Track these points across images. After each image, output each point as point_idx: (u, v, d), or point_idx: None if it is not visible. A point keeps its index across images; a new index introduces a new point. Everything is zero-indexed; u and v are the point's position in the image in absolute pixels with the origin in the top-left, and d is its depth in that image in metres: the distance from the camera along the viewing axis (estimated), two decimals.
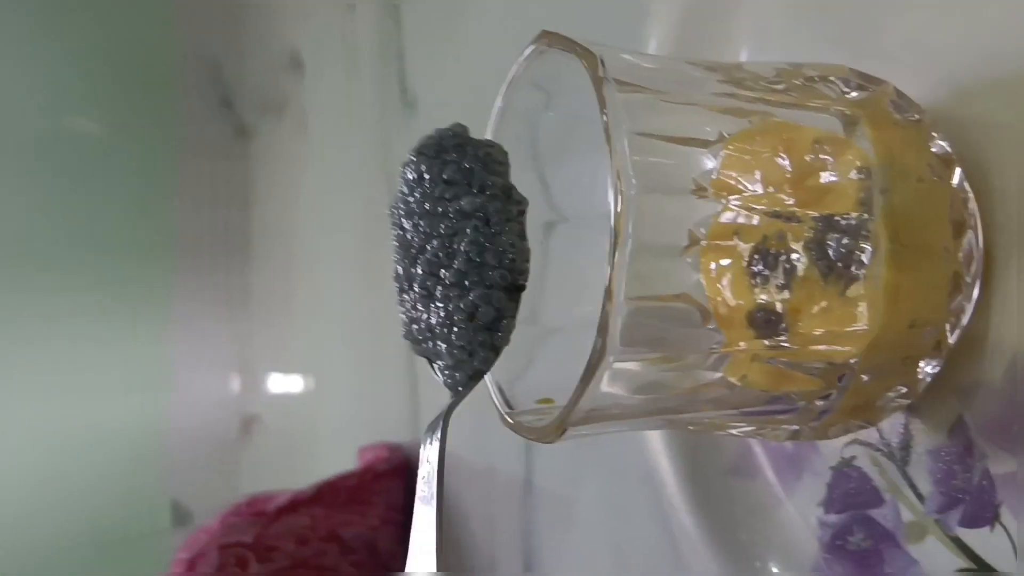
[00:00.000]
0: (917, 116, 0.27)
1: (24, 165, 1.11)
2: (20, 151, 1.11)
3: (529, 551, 0.55)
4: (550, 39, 0.27)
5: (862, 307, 0.25)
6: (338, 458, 0.76)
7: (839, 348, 0.26)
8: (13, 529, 1.15)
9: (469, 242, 0.27)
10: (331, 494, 0.67)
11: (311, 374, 1.01)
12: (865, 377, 0.26)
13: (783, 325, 0.28)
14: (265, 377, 1.16)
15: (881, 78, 0.28)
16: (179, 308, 1.25)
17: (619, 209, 0.23)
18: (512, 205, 0.27)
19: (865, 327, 0.25)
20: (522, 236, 0.27)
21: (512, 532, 0.57)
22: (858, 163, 0.26)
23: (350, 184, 0.88)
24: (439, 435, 0.28)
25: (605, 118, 0.23)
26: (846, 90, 0.27)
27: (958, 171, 0.27)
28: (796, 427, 0.27)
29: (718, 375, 0.28)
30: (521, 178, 0.31)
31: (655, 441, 0.39)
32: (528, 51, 0.28)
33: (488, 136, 0.30)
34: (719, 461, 0.37)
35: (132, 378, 1.24)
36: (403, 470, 0.70)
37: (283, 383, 1.12)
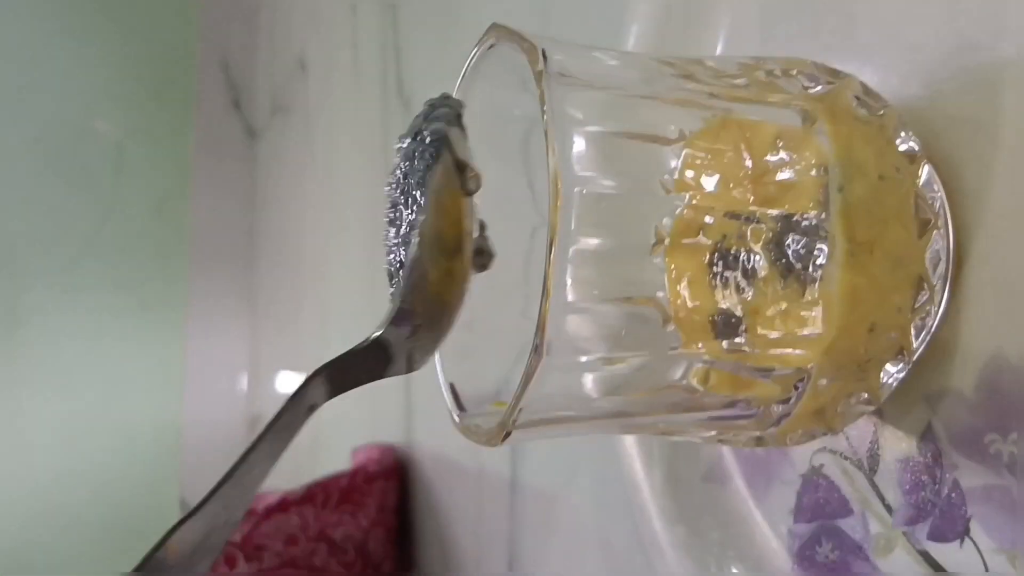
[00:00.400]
0: (882, 112, 0.26)
1: (44, 166, 1.12)
2: (40, 152, 1.11)
3: (513, 551, 0.55)
4: (498, 33, 0.26)
5: (818, 310, 0.24)
6: (337, 458, 0.76)
7: (796, 352, 0.25)
8: (26, 521, 1.16)
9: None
10: (322, 494, 0.66)
11: None
12: (823, 381, 0.25)
13: (742, 327, 0.27)
14: (273, 377, 1.16)
15: (846, 72, 0.27)
16: (193, 307, 1.25)
17: (556, 206, 0.22)
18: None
19: (820, 331, 0.24)
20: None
21: (498, 533, 0.56)
22: (816, 160, 0.25)
23: (353, 183, 0.87)
24: None
25: (544, 112, 0.23)
26: (808, 84, 0.26)
27: (926, 169, 0.26)
28: (758, 433, 0.26)
29: (677, 379, 0.28)
30: (507, 180, 0.30)
31: (630, 444, 0.38)
32: (480, 46, 0.27)
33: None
34: (693, 466, 0.36)
35: (146, 376, 1.25)
36: (395, 471, 0.70)
37: (290, 383, 1.11)
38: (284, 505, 0.65)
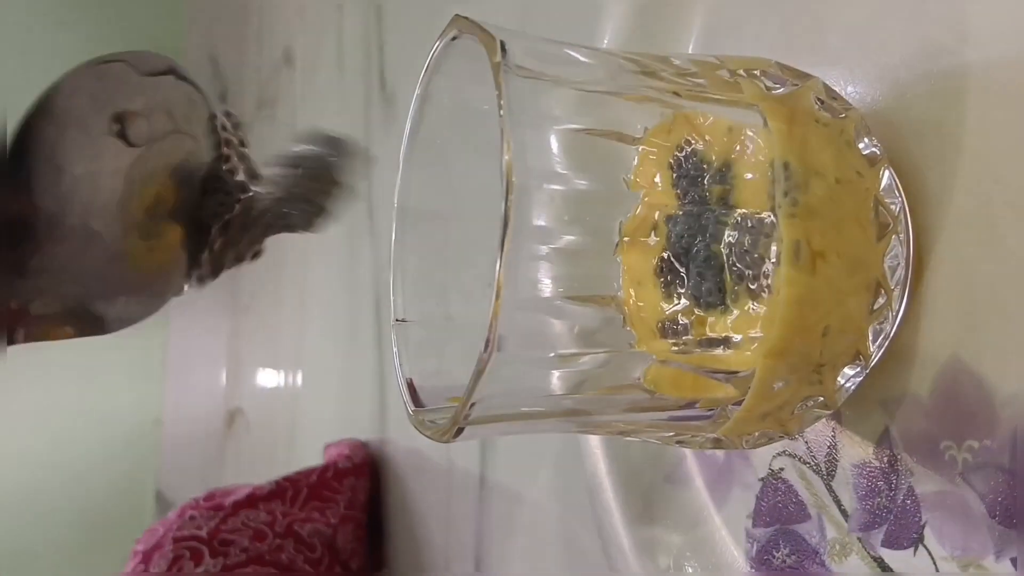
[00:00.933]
0: (844, 114, 0.26)
1: None
2: None
3: (480, 550, 0.54)
4: (460, 24, 0.26)
5: (767, 312, 0.24)
6: (314, 454, 0.75)
7: (745, 353, 0.25)
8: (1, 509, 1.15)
9: None
10: (291, 489, 0.66)
11: (295, 370, 1.00)
12: (778, 384, 0.25)
13: (688, 331, 0.27)
14: (252, 372, 1.16)
15: (810, 73, 0.27)
16: (175, 299, 1.24)
17: (508, 201, 0.22)
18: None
19: (767, 334, 0.24)
20: None
21: (466, 531, 0.56)
22: (771, 160, 0.25)
23: None
24: None
25: (500, 105, 0.22)
26: (771, 85, 0.26)
27: (887, 172, 0.26)
28: (715, 435, 0.26)
29: (636, 377, 0.27)
30: (462, 173, 0.30)
31: (595, 444, 0.37)
32: (442, 39, 0.27)
33: (407, 127, 0.29)
34: (657, 468, 0.36)
35: (128, 369, 1.24)
36: (365, 468, 0.69)
37: (268, 378, 1.11)
38: (252, 500, 0.65)
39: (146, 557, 0.61)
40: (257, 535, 0.63)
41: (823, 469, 0.29)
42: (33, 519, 1.15)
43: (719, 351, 0.25)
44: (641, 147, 0.27)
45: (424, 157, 0.29)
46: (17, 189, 0.25)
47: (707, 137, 0.27)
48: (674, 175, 0.28)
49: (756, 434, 0.26)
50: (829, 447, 0.29)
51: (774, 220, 0.24)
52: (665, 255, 0.27)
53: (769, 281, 0.24)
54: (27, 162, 0.25)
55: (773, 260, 0.24)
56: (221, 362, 1.23)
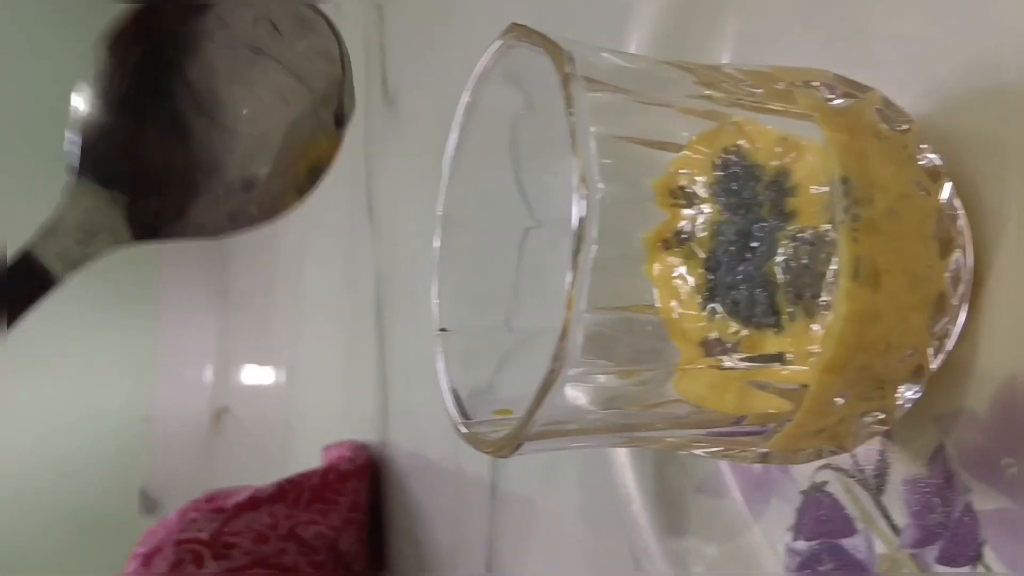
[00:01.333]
0: (906, 127, 0.26)
1: (14, 152, 1.09)
2: (9, 140, 1.09)
3: (491, 554, 0.54)
4: (518, 32, 0.25)
5: (827, 328, 0.24)
6: (308, 455, 0.75)
7: (801, 369, 0.24)
8: None
9: None
10: (293, 492, 0.65)
11: (289, 369, 0.99)
12: (838, 401, 0.24)
13: (738, 348, 0.26)
14: (239, 370, 1.15)
15: (868, 85, 0.27)
16: (165, 297, 1.23)
17: (583, 213, 0.21)
18: None
19: (825, 350, 0.24)
20: None
21: (476, 534, 0.56)
22: (831, 174, 0.24)
23: (331, 179, 0.86)
24: None
25: (571, 117, 0.22)
26: (830, 96, 0.26)
27: (948, 186, 0.25)
28: (765, 450, 0.26)
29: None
30: (498, 181, 0.29)
31: (621, 453, 0.37)
32: (496, 45, 0.26)
33: (455, 134, 0.28)
34: (687, 477, 0.36)
35: (118, 366, 1.23)
36: (367, 470, 0.69)
37: (259, 377, 1.10)
38: (254, 503, 0.64)
39: (147, 559, 0.60)
40: (259, 538, 0.62)
41: (871, 483, 0.29)
42: (21, 516, 1.14)
43: (773, 366, 0.25)
44: (683, 152, 0.27)
45: (469, 165, 0.29)
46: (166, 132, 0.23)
47: (758, 144, 0.27)
48: (719, 177, 0.27)
49: (808, 450, 0.26)
50: (878, 462, 0.28)
51: (834, 235, 0.24)
52: (708, 268, 0.27)
53: (829, 298, 0.24)
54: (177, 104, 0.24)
55: (832, 277, 0.23)
56: (210, 360, 1.22)
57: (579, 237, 0.21)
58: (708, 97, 0.25)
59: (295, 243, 0.96)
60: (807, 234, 0.24)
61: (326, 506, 0.65)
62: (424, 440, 0.65)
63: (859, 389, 0.24)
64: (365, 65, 0.78)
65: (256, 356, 1.10)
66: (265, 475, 0.69)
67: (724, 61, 0.35)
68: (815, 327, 0.24)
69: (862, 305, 0.23)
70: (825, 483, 0.30)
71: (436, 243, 0.29)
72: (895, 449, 0.28)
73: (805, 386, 0.24)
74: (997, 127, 0.26)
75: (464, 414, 0.27)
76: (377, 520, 0.68)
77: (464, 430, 0.25)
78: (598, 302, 0.26)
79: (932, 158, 0.26)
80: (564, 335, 0.21)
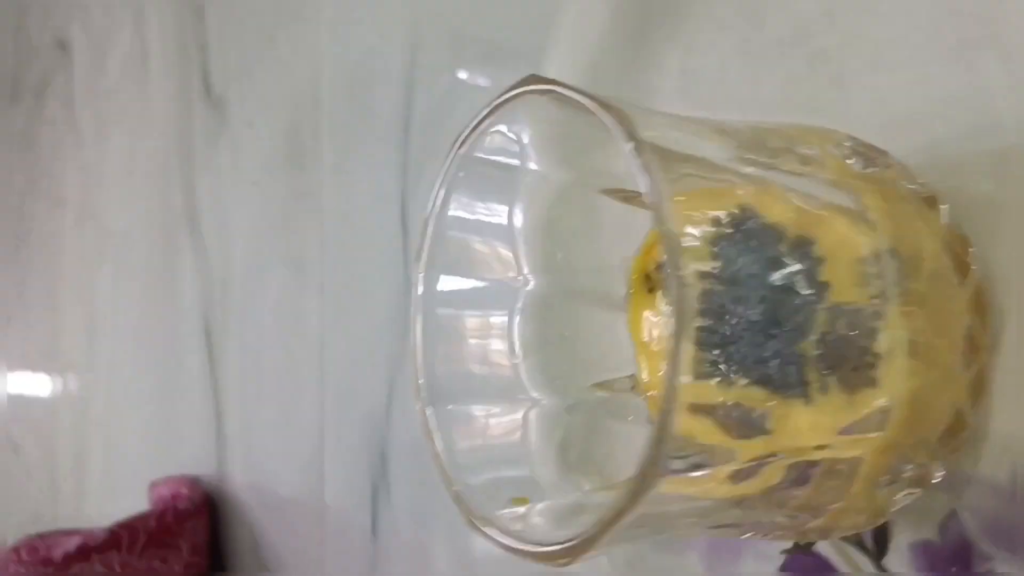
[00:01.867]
0: (920, 188, 0.25)
1: None
2: None
3: None
4: (542, 83, 0.23)
5: (882, 406, 0.23)
6: (130, 493, 0.68)
7: (850, 454, 0.23)
8: None
9: None
10: (128, 537, 0.59)
11: (79, 388, 0.90)
12: (884, 477, 0.23)
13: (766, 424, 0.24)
14: (15, 385, 1.04)
15: (881, 147, 0.26)
16: None
17: (679, 296, 0.19)
18: None
19: (881, 432, 0.23)
20: None
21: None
22: (878, 245, 0.23)
23: (142, 180, 0.79)
24: None
25: (652, 185, 0.20)
26: (851, 161, 0.25)
27: (971, 251, 0.25)
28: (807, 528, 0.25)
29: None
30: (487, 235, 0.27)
31: None
32: (509, 94, 0.23)
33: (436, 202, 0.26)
34: None
35: None
36: (205, 507, 0.63)
37: (22, 384, 1.00)
38: (84, 552, 0.57)
39: None
40: None
41: (870, 546, 0.28)
42: None
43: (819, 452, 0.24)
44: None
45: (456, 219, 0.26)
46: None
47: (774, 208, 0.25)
48: (722, 231, 0.25)
49: (849, 524, 0.25)
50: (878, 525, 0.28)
51: (882, 309, 0.23)
52: (718, 341, 0.25)
53: (875, 373, 0.23)
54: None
55: (882, 352, 0.23)
56: None
57: (680, 324, 0.19)
58: (754, 162, 0.23)
59: (81, 253, 0.88)
60: (846, 308, 0.23)
61: (165, 551, 0.60)
62: (266, 472, 0.60)
63: (908, 465, 0.24)
64: (179, 63, 0.72)
65: (36, 371, 1.00)
66: (61, 509, 0.62)
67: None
68: (856, 400, 0.23)
69: (921, 381, 0.22)
70: (810, 544, 0.30)
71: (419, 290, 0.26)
72: (899, 511, 0.28)
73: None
74: (996, 191, 0.26)
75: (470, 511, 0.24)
76: (219, 565, 0.63)
77: (511, 545, 0.22)
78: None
79: (948, 218, 0.25)
80: (665, 425, 0.19)
